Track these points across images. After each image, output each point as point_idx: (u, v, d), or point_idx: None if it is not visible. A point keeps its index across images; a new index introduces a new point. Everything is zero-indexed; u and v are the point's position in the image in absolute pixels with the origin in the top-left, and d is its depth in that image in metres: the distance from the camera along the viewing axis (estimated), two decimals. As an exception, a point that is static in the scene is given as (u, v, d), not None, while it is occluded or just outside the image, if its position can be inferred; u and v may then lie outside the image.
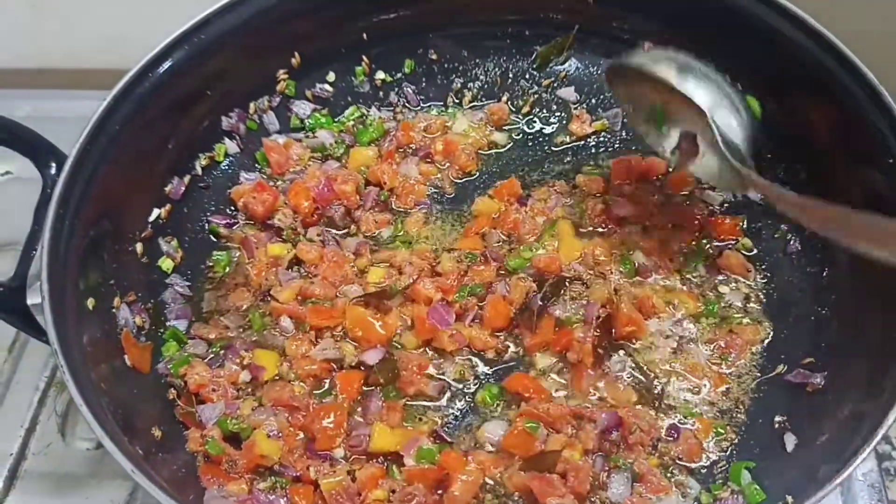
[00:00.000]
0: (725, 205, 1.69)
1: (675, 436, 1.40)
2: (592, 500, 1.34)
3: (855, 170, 1.48)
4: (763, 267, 1.61)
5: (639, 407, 1.43)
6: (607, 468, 1.36)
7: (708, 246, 1.64)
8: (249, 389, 1.48)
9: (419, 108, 1.85)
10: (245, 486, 1.34)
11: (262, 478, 1.37)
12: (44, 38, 2.19)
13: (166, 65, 1.53)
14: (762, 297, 1.57)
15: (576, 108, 1.84)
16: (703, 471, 1.38)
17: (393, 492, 1.34)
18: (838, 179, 1.52)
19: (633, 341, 1.51)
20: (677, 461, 1.38)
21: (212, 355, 1.52)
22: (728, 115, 1.46)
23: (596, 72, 1.83)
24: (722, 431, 1.42)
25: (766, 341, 1.52)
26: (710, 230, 1.65)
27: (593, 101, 1.84)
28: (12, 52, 2.20)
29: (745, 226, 1.66)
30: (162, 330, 1.54)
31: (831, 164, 1.54)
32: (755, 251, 1.63)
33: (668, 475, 1.37)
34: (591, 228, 1.67)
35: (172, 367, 1.46)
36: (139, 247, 1.55)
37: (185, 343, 1.53)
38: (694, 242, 1.64)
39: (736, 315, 1.55)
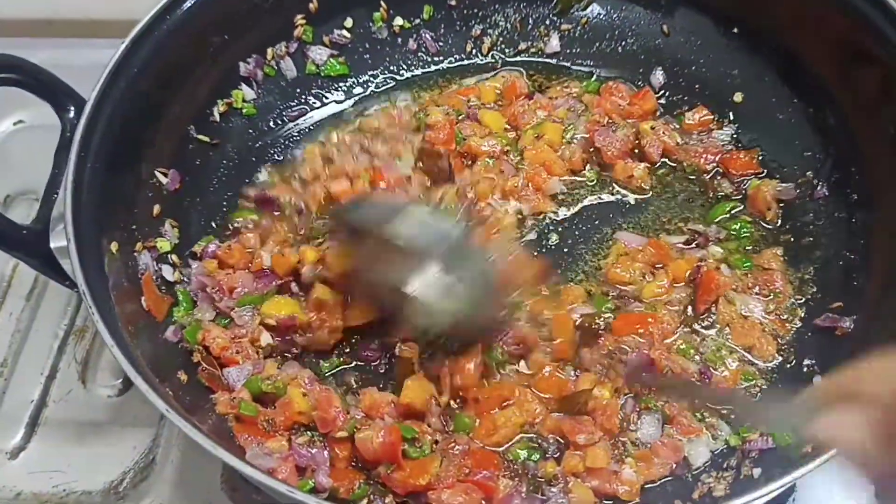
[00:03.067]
0: (738, 143, 1.67)
1: (707, 381, 1.39)
2: (622, 440, 1.34)
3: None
4: (788, 211, 1.57)
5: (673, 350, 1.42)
6: (638, 409, 1.36)
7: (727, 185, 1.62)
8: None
9: (438, 56, 1.82)
10: (284, 442, 1.32)
11: (298, 433, 1.35)
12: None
13: (185, 6, 1.50)
14: (790, 240, 1.55)
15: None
16: (733, 414, 1.36)
17: (436, 442, 1.32)
18: (868, 130, 1.50)
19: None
20: (707, 404, 1.37)
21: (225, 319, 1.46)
22: None
23: (619, 17, 1.80)
24: (751, 378, 1.40)
25: (794, 285, 1.49)
26: (727, 167, 1.63)
27: (619, 48, 1.80)
28: (22, 1, 2.16)
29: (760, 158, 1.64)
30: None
31: (867, 117, 1.50)
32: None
33: (699, 417, 1.36)
34: (580, 138, 1.66)
35: (187, 335, 1.41)
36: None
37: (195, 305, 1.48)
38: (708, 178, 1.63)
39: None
